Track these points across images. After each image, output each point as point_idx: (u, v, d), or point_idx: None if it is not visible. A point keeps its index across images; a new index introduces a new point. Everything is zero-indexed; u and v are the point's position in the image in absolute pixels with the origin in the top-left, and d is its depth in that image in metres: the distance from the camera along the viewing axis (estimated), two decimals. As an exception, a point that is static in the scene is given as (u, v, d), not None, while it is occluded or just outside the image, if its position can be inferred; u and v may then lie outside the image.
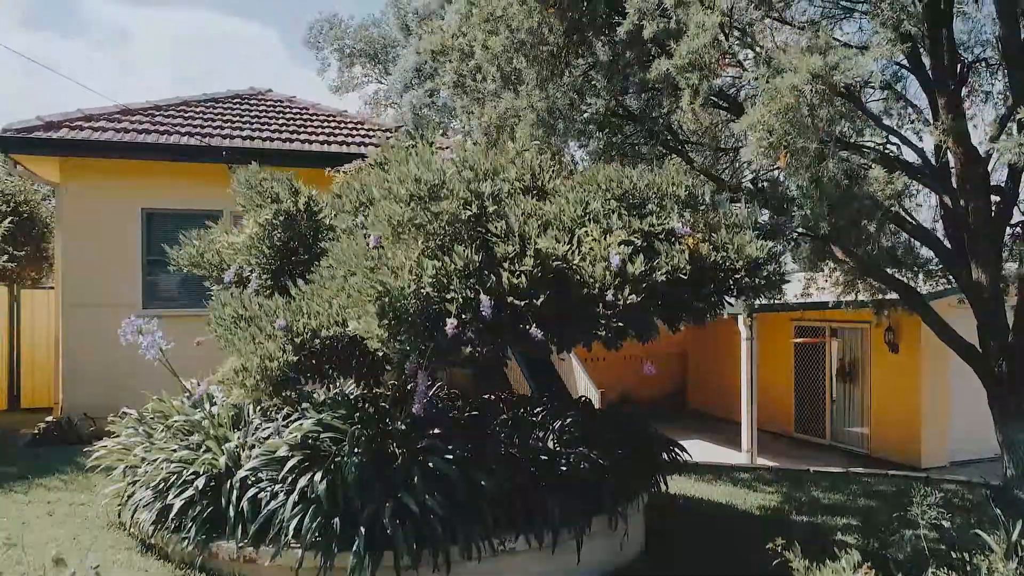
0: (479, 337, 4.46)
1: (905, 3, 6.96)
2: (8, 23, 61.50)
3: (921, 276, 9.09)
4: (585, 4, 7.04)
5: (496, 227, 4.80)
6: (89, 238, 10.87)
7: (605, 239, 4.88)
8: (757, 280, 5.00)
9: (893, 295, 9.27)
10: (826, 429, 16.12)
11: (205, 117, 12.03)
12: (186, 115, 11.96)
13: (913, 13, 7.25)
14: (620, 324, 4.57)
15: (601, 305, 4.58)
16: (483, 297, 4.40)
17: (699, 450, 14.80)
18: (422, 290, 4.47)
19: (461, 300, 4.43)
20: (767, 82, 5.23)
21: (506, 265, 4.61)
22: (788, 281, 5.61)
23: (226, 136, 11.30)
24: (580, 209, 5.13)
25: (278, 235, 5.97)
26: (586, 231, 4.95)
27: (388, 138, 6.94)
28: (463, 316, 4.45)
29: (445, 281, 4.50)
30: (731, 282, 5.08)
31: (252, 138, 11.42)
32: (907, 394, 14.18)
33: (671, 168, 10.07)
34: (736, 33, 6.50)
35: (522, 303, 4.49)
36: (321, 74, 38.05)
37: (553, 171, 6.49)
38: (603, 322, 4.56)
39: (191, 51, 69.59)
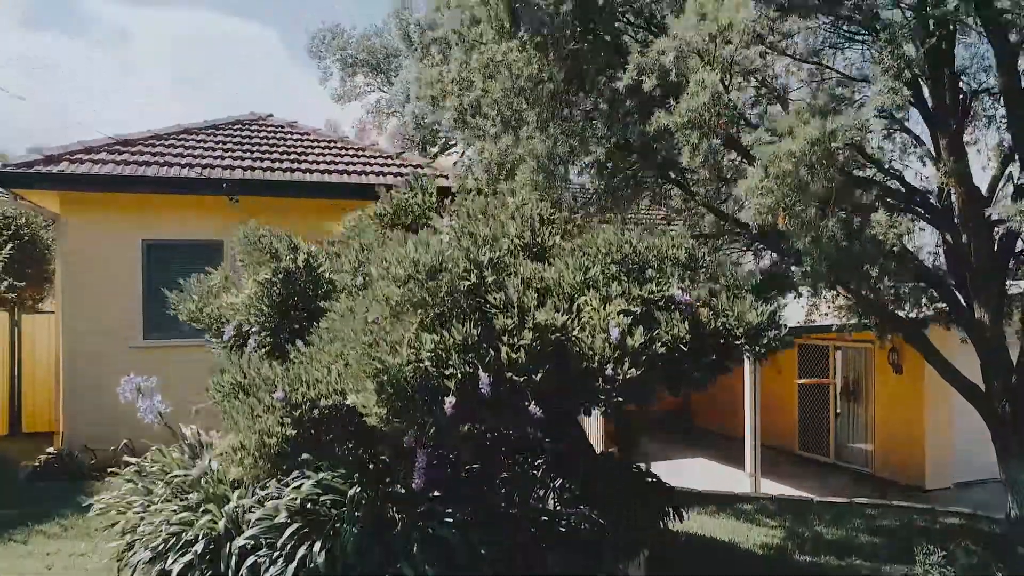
0: (478, 413, 4.44)
1: (906, 51, 6.94)
2: (8, 23, 61.81)
3: (923, 305, 9.02)
4: (584, 52, 7.02)
5: (495, 298, 4.77)
6: (89, 270, 10.88)
7: (604, 308, 4.85)
8: (758, 348, 4.97)
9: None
10: (830, 448, 16.06)
11: (206, 146, 12.02)
12: (187, 144, 11.95)
13: (915, 59, 7.23)
14: (619, 399, 4.55)
15: (600, 379, 4.56)
16: (482, 374, 4.38)
17: (702, 468, 14.84)
18: (421, 364, 4.45)
19: (460, 376, 4.41)
20: (767, 143, 5.21)
21: (505, 339, 4.59)
22: (791, 345, 5.58)
23: (227, 167, 11.29)
24: (580, 276, 5.10)
25: (277, 291, 5.95)
26: (586, 299, 4.93)
27: (388, 188, 6.91)
28: (465, 388, 4.43)
29: (444, 355, 4.48)
30: (732, 348, 5.05)
31: (253, 168, 11.41)
32: (911, 415, 14.13)
33: (673, 197, 10.07)
34: (738, 75, 6.44)
35: (521, 379, 4.47)
36: (323, 83, 38.05)
37: (553, 224, 6.50)
38: (603, 397, 4.54)
39: (191, 51, 69.90)
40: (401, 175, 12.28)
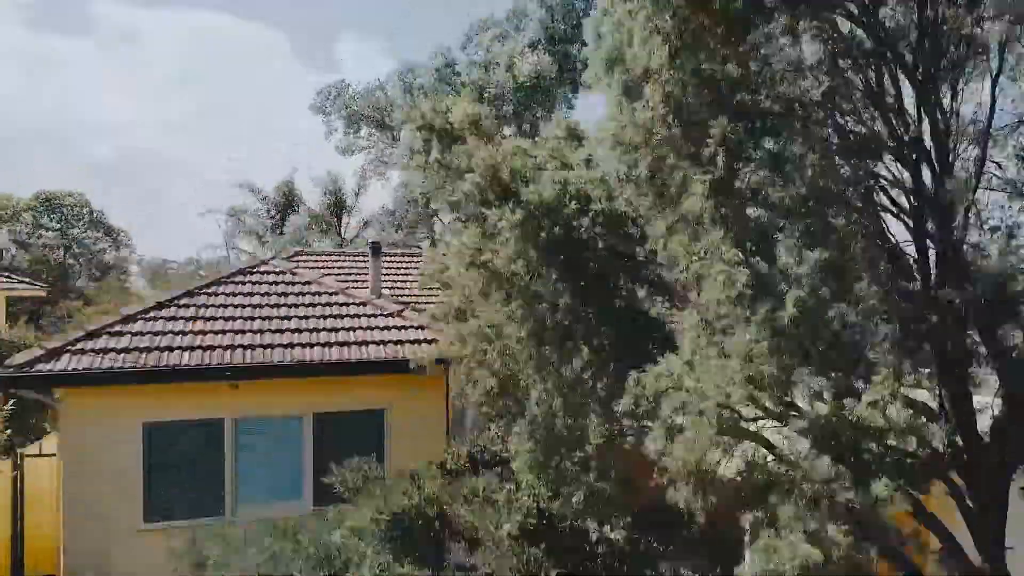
0: None
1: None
2: (12, 23, 62.80)
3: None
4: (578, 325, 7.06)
5: None
6: (89, 453, 10.87)
7: None
8: None
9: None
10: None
11: (206, 317, 12.02)
12: (186, 316, 11.95)
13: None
14: None
15: None
16: None
17: None
18: None
19: None
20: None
21: None
22: None
23: (227, 347, 11.31)
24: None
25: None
26: None
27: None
28: None
29: None
30: None
31: (253, 347, 11.43)
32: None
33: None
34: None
35: None
36: (327, 137, 38.44)
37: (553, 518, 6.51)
38: None
39: (195, 52, 71.06)
40: (401, 342, 12.28)
